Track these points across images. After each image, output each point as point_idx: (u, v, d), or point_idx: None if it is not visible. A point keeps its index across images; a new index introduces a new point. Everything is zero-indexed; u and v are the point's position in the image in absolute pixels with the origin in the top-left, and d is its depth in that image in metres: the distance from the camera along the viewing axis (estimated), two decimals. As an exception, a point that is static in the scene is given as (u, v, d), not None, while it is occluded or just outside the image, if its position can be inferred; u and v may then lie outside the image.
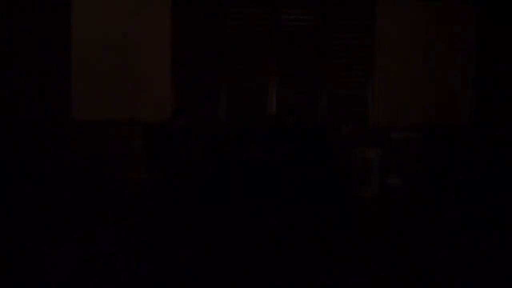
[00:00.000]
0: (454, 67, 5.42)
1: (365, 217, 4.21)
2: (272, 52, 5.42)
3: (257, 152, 4.83)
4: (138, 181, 5.10)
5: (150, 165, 4.81)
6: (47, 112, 5.35)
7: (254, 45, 5.42)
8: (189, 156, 4.84)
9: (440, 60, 5.41)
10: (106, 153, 5.34)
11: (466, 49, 5.41)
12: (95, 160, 5.35)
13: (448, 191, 5.03)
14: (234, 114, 5.45)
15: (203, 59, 5.44)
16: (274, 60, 5.43)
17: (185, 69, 5.44)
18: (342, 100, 5.45)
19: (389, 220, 4.10)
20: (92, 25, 5.33)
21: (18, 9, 5.27)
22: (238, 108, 5.45)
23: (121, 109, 5.39)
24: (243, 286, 2.64)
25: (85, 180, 5.26)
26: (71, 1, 5.31)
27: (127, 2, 5.34)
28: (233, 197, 4.63)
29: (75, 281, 2.66)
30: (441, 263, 3.00)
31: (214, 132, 5.34)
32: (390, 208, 4.53)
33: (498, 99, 5.39)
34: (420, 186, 5.17)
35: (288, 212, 4.23)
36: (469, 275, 2.82)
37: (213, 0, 5.37)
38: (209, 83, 5.45)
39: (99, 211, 4.24)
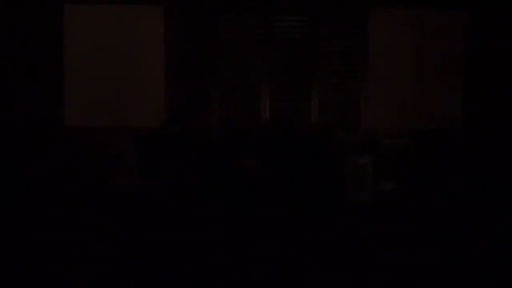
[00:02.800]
0: (445, 73, 5.46)
1: (359, 223, 4.20)
2: (265, 59, 5.44)
3: (249, 160, 4.83)
4: (130, 188, 5.06)
5: (142, 172, 4.79)
6: (39, 118, 5.32)
7: (246, 52, 5.44)
8: (181, 163, 4.82)
9: (432, 67, 5.46)
10: (98, 159, 5.32)
11: (458, 55, 5.46)
12: (87, 167, 5.32)
13: (441, 196, 5.05)
14: (227, 121, 5.45)
15: (196, 66, 5.44)
16: (266, 67, 5.44)
17: (178, 76, 5.44)
18: (335, 106, 5.47)
19: (383, 225, 4.10)
20: (84, 32, 5.32)
21: (11, 15, 5.27)
22: (231, 115, 5.44)
23: (113, 116, 5.37)
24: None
25: (76, 186, 5.22)
26: (64, 7, 5.30)
27: (120, 9, 5.34)
28: (225, 205, 4.61)
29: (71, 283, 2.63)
30: (435, 267, 3.00)
31: (207, 139, 5.32)
32: (384, 214, 4.54)
33: (488, 105, 5.45)
34: (413, 191, 5.18)
35: (281, 219, 4.21)
36: (464, 279, 2.82)
37: (206, 7, 5.40)
38: (202, 90, 5.45)
39: (91, 217, 4.20)
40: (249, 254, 3.26)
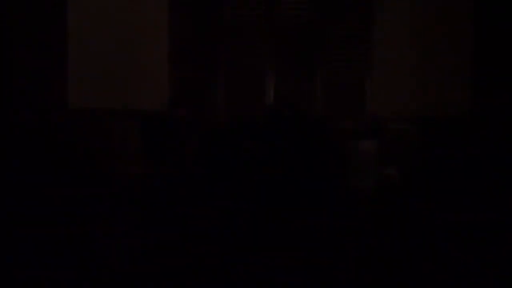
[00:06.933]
0: (452, 59, 5.40)
1: (363, 208, 4.22)
2: (270, 42, 5.39)
3: (254, 145, 4.83)
4: (134, 173, 5.07)
5: (147, 156, 4.80)
6: (43, 99, 5.31)
7: (251, 35, 5.38)
8: (187, 147, 4.83)
9: (439, 52, 5.40)
10: (102, 143, 5.31)
11: (466, 38, 5.39)
12: (90, 150, 5.32)
13: (445, 182, 5.05)
14: (231, 105, 5.43)
15: (201, 49, 5.40)
16: (272, 50, 5.40)
17: (182, 59, 5.40)
18: (340, 91, 5.44)
19: (386, 211, 4.12)
20: (89, 13, 5.27)
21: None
22: (236, 99, 5.42)
23: (117, 98, 5.34)
24: (240, 282, 2.65)
25: (79, 170, 5.24)
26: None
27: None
28: (230, 190, 4.63)
29: (72, 276, 2.65)
30: (438, 254, 3.02)
31: (211, 123, 5.31)
32: (387, 199, 4.55)
33: (496, 92, 5.39)
34: (416, 177, 5.18)
35: (285, 205, 4.23)
36: (467, 267, 2.84)
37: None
38: (207, 73, 5.42)
39: (95, 203, 4.22)
40: (253, 240, 3.28)
